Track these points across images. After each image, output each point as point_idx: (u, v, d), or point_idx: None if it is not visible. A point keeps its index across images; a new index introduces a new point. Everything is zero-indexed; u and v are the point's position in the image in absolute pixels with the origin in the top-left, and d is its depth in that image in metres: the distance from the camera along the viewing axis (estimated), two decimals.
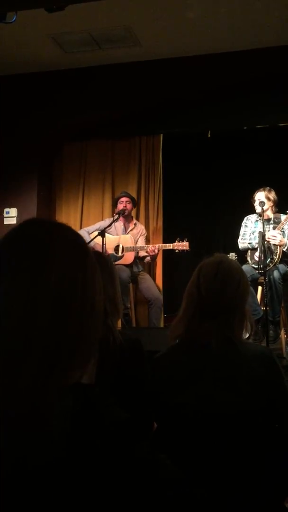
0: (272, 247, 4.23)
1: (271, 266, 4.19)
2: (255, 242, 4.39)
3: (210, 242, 5.87)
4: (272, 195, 4.49)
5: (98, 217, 5.46)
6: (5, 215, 5.25)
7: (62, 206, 5.66)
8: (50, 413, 0.70)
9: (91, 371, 0.80)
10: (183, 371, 1.56)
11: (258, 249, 4.26)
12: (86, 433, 0.72)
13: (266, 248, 4.11)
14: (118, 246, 4.86)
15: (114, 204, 5.21)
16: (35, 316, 0.72)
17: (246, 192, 4.68)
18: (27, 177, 5.32)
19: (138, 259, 4.89)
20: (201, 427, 1.47)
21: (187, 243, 4.60)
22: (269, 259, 4.17)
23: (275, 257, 4.22)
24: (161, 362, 1.67)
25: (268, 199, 4.44)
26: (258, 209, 4.42)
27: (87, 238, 4.90)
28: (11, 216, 5.23)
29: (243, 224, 4.63)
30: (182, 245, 4.62)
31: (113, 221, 4.87)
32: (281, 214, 4.46)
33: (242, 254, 4.51)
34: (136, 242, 4.91)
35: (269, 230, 4.33)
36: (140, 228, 5.09)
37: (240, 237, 4.58)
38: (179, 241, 4.64)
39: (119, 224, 4.99)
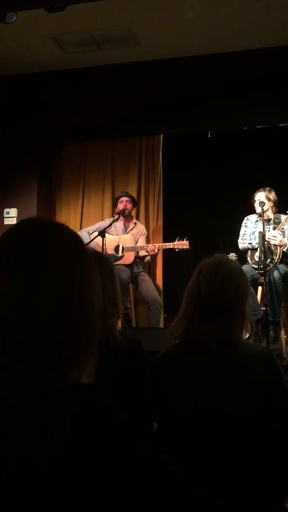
0: (272, 247, 4.23)
1: (271, 266, 4.19)
2: (255, 242, 4.39)
3: (210, 242, 5.86)
4: (272, 196, 4.49)
5: (98, 217, 5.46)
6: (5, 215, 5.26)
7: (62, 206, 5.66)
8: (50, 413, 0.70)
9: (91, 370, 0.80)
10: (183, 371, 1.56)
11: (258, 249, 4.26)
12: (86, 433, 0.72)
13: (266, 248, 4.11)
14: (118, 246, 4.86)
15: (114, 203, 5.21)
16: (34, 316, 0.72)
17: (246, 192, 4.67)
18: (27, 177, 5.32)
19: (138, 259, 4.89)
20: (201, 427, 1.47)
21: (187, 242, 4.61)
22: (269, 259, 4.17)
23: (275, 257, 4.22)
24: (161, 362, 1.67)
25: (268, 199, 4.44)
26: (258, 209, 4.42)
27: (87, 238, 4.89)
28: (11, 216, 5.24)
29: (243, 224, 4.63)
30: (182, 244, 4.62)
31: (113, 221, 4.87)
32: (281, 214, 4.46)
33: (242, 254, 4.51)
34: (137, 242, 4.91)
35: (269, 231, 4.33)
36: (140, 227, 5.09)
37: (240, 237, 4.58)
38: (179, 240, 4.64)
39: (119, 224, 4.99)
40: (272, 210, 4.50)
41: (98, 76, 5.09)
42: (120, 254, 4.81)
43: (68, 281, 0.75)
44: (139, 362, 1.71)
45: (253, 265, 4.32)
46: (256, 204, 4.46)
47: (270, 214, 4.49)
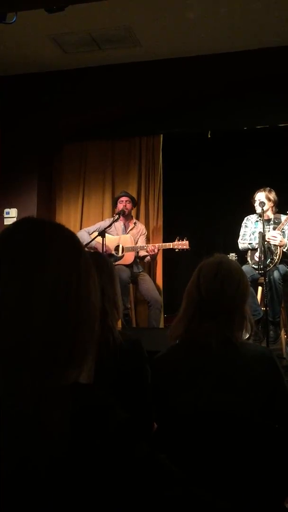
0: (272, 248, 4.23)
1: (271, 266, 4.19)
2: (255, 242, 4.39)
3: (210, 242, 5.87)
4: (273, 196, 4.49)
5: (98, 217, 5.46)
6: (5, 215, 5.26)
7: (62, 206, 5.66)
8: (50, 413, 0.71)
9: (89, 370, 0.80)
10: (183, 371, 1.56)
11: (258, 249, 4.26)
12: (86, 433, 0.72)
13: (266, 249, 4.11)
14: (118, 246, 4.86)
15: (114, 203, 5.21)
16: (31, 316, 0.72)
17: (246, 193, 4.68)
18: (27, 177, 5.32)
19: (138, 259, 4.89)
20: (201, 427, 1.47)
21: (187, 242, 4.61)
22: (269, 260, 4.17)
23: (275, 257, 4.22)
24: (161, 362, 1.67)
25: (269, 199, 4.44)
26: (258, 209, 4.42)
27: (87, 238, 4.90)
28: (11, 216, 5.24)
29: (243, 224, 4.63)
30: (182, 244, 4.62)
31: (113, 221, 4.87)
32: (281, 215, 4.46)
33: (242, 255, 4.51)
34: (137, 242, 4.91)
35: (269, 231, 4.33)
36: (141, 227, 5.09)
37: (240, 237, 4.58)
38: (179, 240, 4.64)
39: (119, 224, 4.99)
40: (272, 210, 4.50)
41: (98, 76, 5.09)
42: (120, 254, 4.81)
43: (64, 280, 0.75)
44: (139, 362, 1.71)
45: (253, 265, 4.32)
46: (256, 204, 4.46)
47: (270, 214, 4.49)
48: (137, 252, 4.85)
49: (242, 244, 4.54)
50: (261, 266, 4.09)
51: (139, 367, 1.70)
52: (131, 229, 5.01)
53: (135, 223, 5.08)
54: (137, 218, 5.37)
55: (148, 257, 4.88)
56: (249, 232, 4.54)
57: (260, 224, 4.36)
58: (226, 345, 1.53)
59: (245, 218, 4.63)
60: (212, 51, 4.72)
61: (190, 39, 4.56)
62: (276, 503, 1.48)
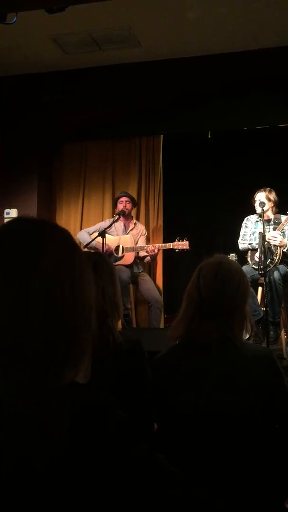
0: (272, 248, 4.23)
1: (271, 266, 4.19)
2: (255, 242, 4.39)
3: (210, 242, 5.87)
4: (273, 196, 4.48)
5: (99, 217, 5.46)
6: (5, 216, 5.26)
7: (62, 207, 5.66)
8: (50, 413, 0.71)
9: (86, 369, 0.80)
10: (184, 371, 1.57)
11: (258, 249, 4.26)
12: (85, 433, 0.72)
13: (266, 249, 4.11)
14: (118, 246, 4.86)
15: (114, 204, 5.21)
16: (27, 316, 0.72)
17: (246, 193, 4.68)
18: (27, 177, 5.32)
19: (138, 259, 4.89)
20: (201, 428, 1.47)
21: (187, 242, 4.61)
22: (269, 260, 4.17)
23: (275, 257, 4.22)
24: (161, 362, 1.67)
25: (269, 199, 4.44)
26: (258, 209, 4.42)
27: (87, 238, 4.90)
28: (12, 217, 5.23)
29: (243, 224, 4.62)
30: (182, 245, 4.62)
31: (113, 222, 4.87)
32: (281, 215, 4.46)
33: (242, 255, 4.51)
34: (137, 243, 4.91)
35: (269, 231, 4.33)
36: (141, 228, 5.09)
37: (240, 237, 4.58)
38: (179, 241, 4.65)
39: (119, 224, 4.99)
40: (272, 210, 4.50)
41: (98, 77, 5.10)
42: (120, 254, 4.81)
43: (58, 280, 0.75)
44: (139, 362, 1.71)
45: (253, 266, 4.32)
46: (256, 205, 4.46)
47: (270, 214, 4.49)
48: (137, 253, 4.85)
49: (242, 244, 4.54)
50: (261, 267, 4.09)
51: (139, 367, 1.70)
52: (131, 230, 5.01)
53: (135, 224, 5.08)
54: (137, 218, 5.37)
55: (148, 258, 4.89)
56: (249, 233, 4.54)
57: (260, 225, 4.35)
58: (226, 346, 1.53)
59: (245, 219, 4.63)
60: (212, 51, 4.72)
61: (190, 39, 4.56)
62: (276, 504, 1.49)
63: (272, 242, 4.22)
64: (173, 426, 1.55)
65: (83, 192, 5.61)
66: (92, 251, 4.08)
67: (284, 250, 4.26)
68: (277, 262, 4.22)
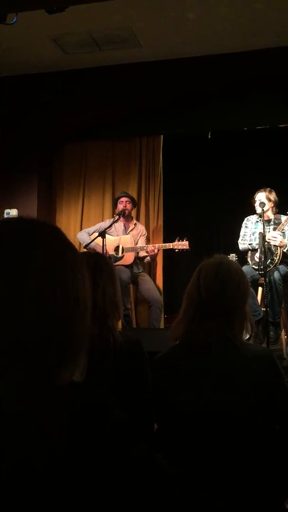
0: (273, 248, 4.23)
1: (272, 267, 4.19)
2: (255, 243, 4.39)
3: (210, 242, 5.87)
4: (273, 196, 4.48)
5: (99, 217, 5.47)
6: (5, 216, 5.25)
7: (62, 207, 5.66)
8: (48, 413, 0.71)
9: (82, 368, 0.80)
10: (184, 371, 1.57)
11: (259, 250, 4.26)
12: (84, 433, 0.72)
13: (267, 249, 4.11)
14: (118, 246, 4.86)
15: (114, 204, 5.21)
16: (20, 315, 0.72)
17: (246, 193, 4.68)
18: (27, 178, 5.32)
19: (138, 259, 4.89)
20: (201, 428, 1.47)
21: (186, 242, 4.61)
22: (269, 260, 4.17)
23: (275, 258, 4.22)
24: (161, 362, 1.67)
25: (269, 199, 4.44)
26: (258, 209, 4.42)
27: (87, 239, 4.90)
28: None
29: (243, 225, 4.62)
30: (182, 245, 4.62)
31: (114, 222, 4.88)
32: (282, 215, 4.46)
33: (243, 255, 4.51)
34: (137, 243, 4.91)
35: (269, 231, 4.33)
36: (141, 228, 5.09)
37: (240, 238, 4.58)
38: (179, 241, 4.65)
39: (119, 225, 5.00)
40: (272, 210, 4.50)
41: (98, 77, 5.10)
42: (120, 254, 4.81)
43: (50, 279, 0.75)
44: (139, 362, 1.71)
45: (253, 266, 4.32)
46: (257, 205, 4.46)
47: (270, 214, 4.49)
48: (137, 253, 4.85)
49: (242, 244, 4.54)
50: (261, 267, 4.09)
51: (139, 368, 1.70)
52: (131, 230, 5.01)
53: (135, 224, 5.08)
54: (137, 218, 5.37)
55: (148, 258, 4.89)
56: (249, 233, 4.54)
57: (260, 225, 4.35)
58: (226, 346, 1.53)
59: (245, 219, 4.63)
60: (212, 51, 4.72)
61: (190, 39, 4.56)
62: (277, 504, 1.49)
63: (272, 243, 4.22)
64: (173, 426, 1.55)
65: (83, 192, 5.61)
66: (92, 251, 4.08)
67: (284, 251, 4.26)
68: (277, 262, 4.22)
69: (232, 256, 4.18)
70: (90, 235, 4.94)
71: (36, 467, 0.69)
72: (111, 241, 4.85)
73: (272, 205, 4.48)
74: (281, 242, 4.23)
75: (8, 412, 0.70)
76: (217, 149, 5.56)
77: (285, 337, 4.24)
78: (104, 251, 4.61)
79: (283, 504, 1.52)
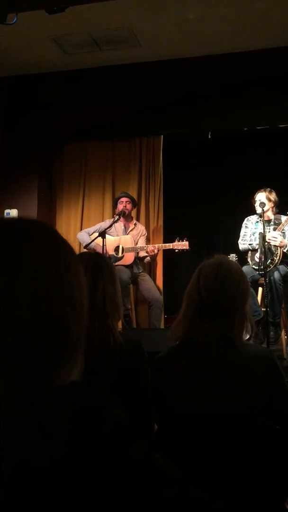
0: (273, 248, 4.23)
1: (272, 267, 4.19)
2: (255, 243, 4.39)
3: (210, 242, 5.87)
4: (273, 196, 4.49)
5: (99, 217, 5.47)
6: (5, 216, 5.25)
7: (62, 207, 5.66)
8: (47, 413, 0.71)
9: (79, 367, 0.80)
10: (184, 371, 1.57)
11: (259, 250, 4.26)
12: (83, 433, 0.72)
13: (267, 249, 4.11)
14: (118, 247, 4.86)
15: (114, 204, 5.22)
16: (14, 315, 0.72)
17: (246, 193, 4.68)
18: (27, 178, 5.33)
19: (138, 259, 4.89)
20: (201, 428, 1.47)
21: (186, 243, 4.61)
22: (269, 260, 4.17)
23: (275, 258, 4.22)
24: (161, 362, 1.67)
25: (269, 200, 4.44)
26: (258, 210, 4.42)
27: (87, 239, 4.90)
28: (12, 217, 5.24)
29: (243, 225, 4.63)
30: (182, 245, 4.62)
31: (114, 222, 4.88)
32: (282, 215, 4.46)
33: (243, 255, 4.51)
34: (137, 243, 4.91)
35: (269, 231, 4.33)
36: (141, 228, 5.09)
37: (241, 238, 4.58)
38: (179, 241, 4.65)
39: (119, 225, 5.00)
40: (272, 210, 4.50)
41: (98, 77, 5.10)
42: (120, 255, 4.81)
43: (44, 279, 0.75)
44: (139, 362, 1.71)
45: (253, 266, 4.32)
46: (257, 205, 4.46)
47: (270, 214, 4.50)
48: (137, 253, 4.85)
49: (242, 244, 4.54)
50: (262, 267, 4.09)
51: (139, 368, 1.70)
52: (131, 230, 5.01)
53: (135, 224, 5.08)
54: (138, 218, 5.37)
55: (148, 258, 4.89)
56: (250, 233, 4.54)
57: (260, 225, 4.36)
58: (227, 346, 1.53)
59: (246, 219, 4.63)
60: (212, 51, 4.73)
61: (190, 39, 4.57)
62: (277, 504, 1.49)
63: (272, 243, 4.23)
64: (173, 427, 1.55)
65: (83, 193, 5.61)
66: (92, 251, 4.08)
67: (284, 251, 4.26)
68: (277, 262, 4.22)
69: (232, 256, 4.18)
70: (90, 235, 4.94)
71: (36, 467, 0.69)
72: (111, 241, 4.85)
73: (272, 205, 4.48)
74: (281, 242, 4.23)
75: (8, 412, 0.70)
76: (217, 149, 5.56)
77: (285, 337, 4.24)
78: (104, 251, 4.61)
79: (283, 504, 1.52)
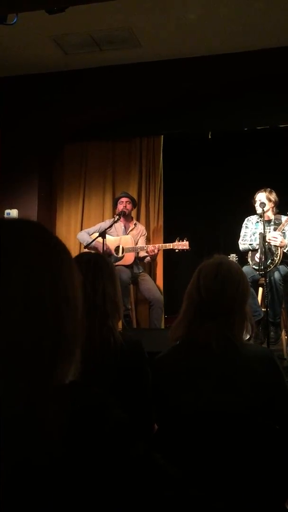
0: (273, 248, 4.23)
1: (272, 267, 4.19)
2: (255, 243, 4.39)
3: (210, 242, 5.87)
4: (273, 196, 4.49)
5: (99, 218, 5.47)
6: (5, 216, 5.26)
7: (62, 207, 5.66)
8: (46, 413, 0.71)
9: (76, 367, 0.80)
10: (184, 371, 1.57)
11: (259, 250, 4.27)
12: (83, 433, 0.72)
13: (267, 249, 4.11)
14: (118, 247, 4.87)
15: (114, 204, 5.22)
16: (10, 316, 0.72)
17: (246, 193, 4.68)
18: (27, 178, 5.33)
19: (138, 259, 4.89)
20: (201, 428, 1.47)
21: (187, 243, 4.61)
22: (269, 260, 4.17)
23: (275, 258, 4.22)
24: (161, 363, 1.67)
25: (269, 200, 4.44)
26: (258, 210, 4.42)
27: (87, 239, 4.90)
28: (12, 217, 5.24)
29: (243, 225, 4.63)
30: (182, 245, 4.63)
31: (114, 222, 4.88)
32: (282, 215, 4.46)
33: (243, 255, 4.51)
34: (137, 243, 4.91)
35: (269, 231, 4.33)
36: (141, 228, 5.09)
37: (241, 238, 4.58)
38: (179, 241, 4.65)
39: (119, 225, 5.00)
40: (272, 211, 4.50)
41: (98, 77, 5.10)
42: (120, 255, 4.81)
43: (37, 280, 0.75)
44: (139, 363, 1.71)
45: (253, 266, 4.32)
46: (257, 205, 4.46)
47: (270, 215, 4.50)
48: (137, 253, 4.85)
49: (242, 245, 4.54)
50: (262, 267, 4.09)
51: (139, 368, 1.70)
52: (131, 230, 5.01)
53: (135, 224, 5.08)
54: (138, 218, 5.37)
55: (148, 258, 4.89)
56: (250, 233, 4.54)
57: (260, 225, 4.36)
58: (227, 346, 1.53)
59: (246, 219, 4.64)
60: (212, 51, 4.73)
61: (190, 40, 4.57)
62: (277, 504, 1.49)
63: (272, 243, 4.23)
64: (174, 427, 1.55)
65: (84, 193, 5.61)
66: (92, 251, 4.08)
67: (285, 251, 4.26)
68: (277, 262, 4.22)
69: (232, 256, 4.18)
70: (90, 236, 4.94)
71: (36, 467, 0.69)
72: (111, 241, 4.85)
73: (273, 205, 4.48)
74: (281, 242, 4.23)
75: (8, 412, 0.70)
76: (217, 149, 5.55)
77: (286, 337, 4.24)
78: (105, 248, 4.61)
79: (283, 504, 1.52)
